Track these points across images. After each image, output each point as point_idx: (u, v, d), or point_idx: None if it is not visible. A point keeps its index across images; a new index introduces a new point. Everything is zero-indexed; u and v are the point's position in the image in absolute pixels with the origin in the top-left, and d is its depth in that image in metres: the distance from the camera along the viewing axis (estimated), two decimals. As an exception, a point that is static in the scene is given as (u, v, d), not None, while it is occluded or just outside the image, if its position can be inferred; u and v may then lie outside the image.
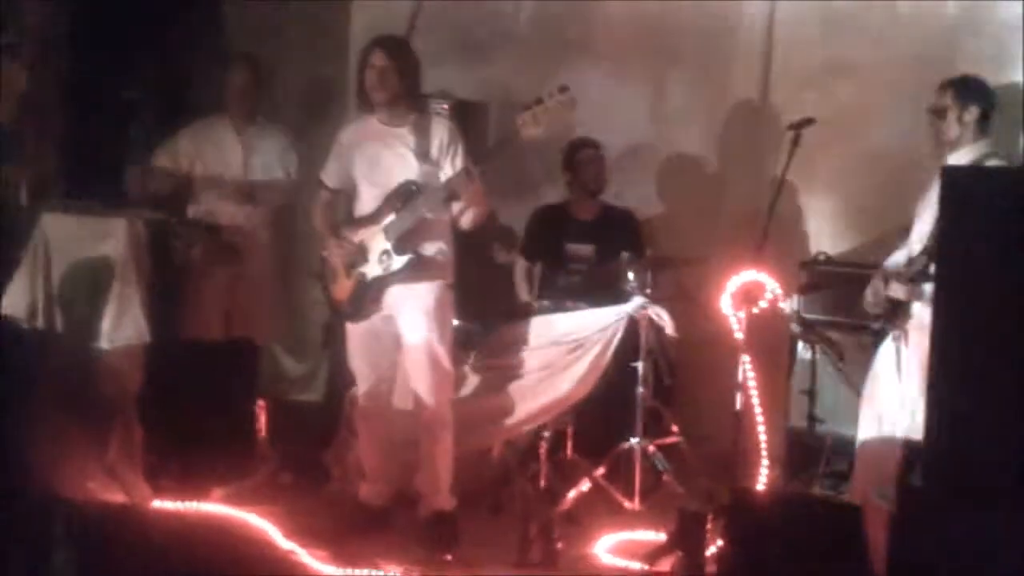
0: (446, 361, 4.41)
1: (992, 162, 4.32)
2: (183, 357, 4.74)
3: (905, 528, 3.42)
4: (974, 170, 4.00)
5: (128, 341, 4.45)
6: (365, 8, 6.41)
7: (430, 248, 4.36)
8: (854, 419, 4.82)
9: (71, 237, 4.53)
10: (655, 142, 5.95)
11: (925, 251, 4.26)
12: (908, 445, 3.68)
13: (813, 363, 5.06)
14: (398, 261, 4.30)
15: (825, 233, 5.59)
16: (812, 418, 4.99)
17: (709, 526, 3.90)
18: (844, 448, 4.78)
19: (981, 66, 4.69)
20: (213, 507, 4.54)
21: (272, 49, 6.06)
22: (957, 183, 3.48)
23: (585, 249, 5.42)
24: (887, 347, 4.44)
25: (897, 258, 4.56)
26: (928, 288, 4.20)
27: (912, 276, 4.25)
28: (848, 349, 5.05)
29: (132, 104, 5.42)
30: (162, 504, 4.45)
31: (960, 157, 4.37)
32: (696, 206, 5.86)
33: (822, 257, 5.31)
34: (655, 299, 4.95)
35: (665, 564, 3.97)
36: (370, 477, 4.56)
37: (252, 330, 5.24)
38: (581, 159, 5.45)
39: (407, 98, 4.39)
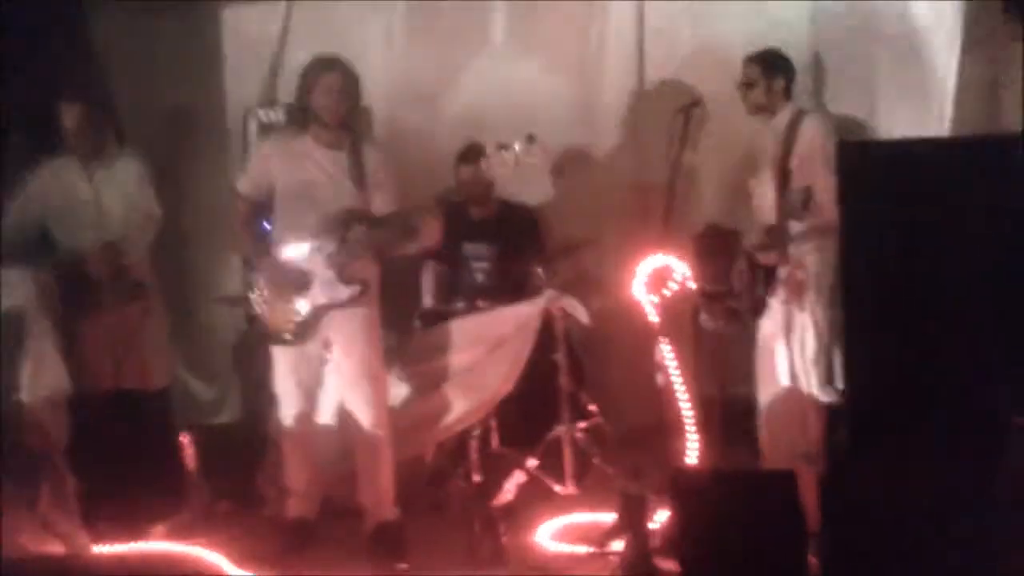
0: (383, 377, 4.52)
1: (806, 119, 4.75)
2: (99, 401, 4.68)
3: (837, 487, 3.66)
4: (866, 144, 4.29)
5: (50, 391, 4.37)
6: (237, 15, 6.29)
7: (370, 274, 4.44)
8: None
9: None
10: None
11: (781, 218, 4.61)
12: (829, 409, 3.94)
13: (718, 332, 5.30)
14: (345, 290, 4.37)
15: (711, 206, 5.82)
16: (724, 386, 5.25)
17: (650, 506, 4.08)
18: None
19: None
20: (157, 545, 4.51)
21: (143, 70, 5.97)
22: (851, 155, 3.75)
23: (484, 249, 5.46)
24: (770, 314, 4.74)
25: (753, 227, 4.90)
26: (797, 251, 4.59)
27: (776, 243, 4.61)
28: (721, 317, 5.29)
29: (12, 147, 5.22)
30: (104, 549, 4.40)
31: (778, 120, 4.84)
32: (583, 190, 6.01)
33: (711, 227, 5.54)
34: (561, 288, 5.10)
35: (613, 545, 4.12)
36: (298, 493, 4.61)
37: (159, 366, 5.16)
38: (463, 178, 5.43)
39: (349, 122, 4.43)
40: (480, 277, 5.42)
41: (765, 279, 4.71)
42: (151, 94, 5.99)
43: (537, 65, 5.98)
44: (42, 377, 4.37)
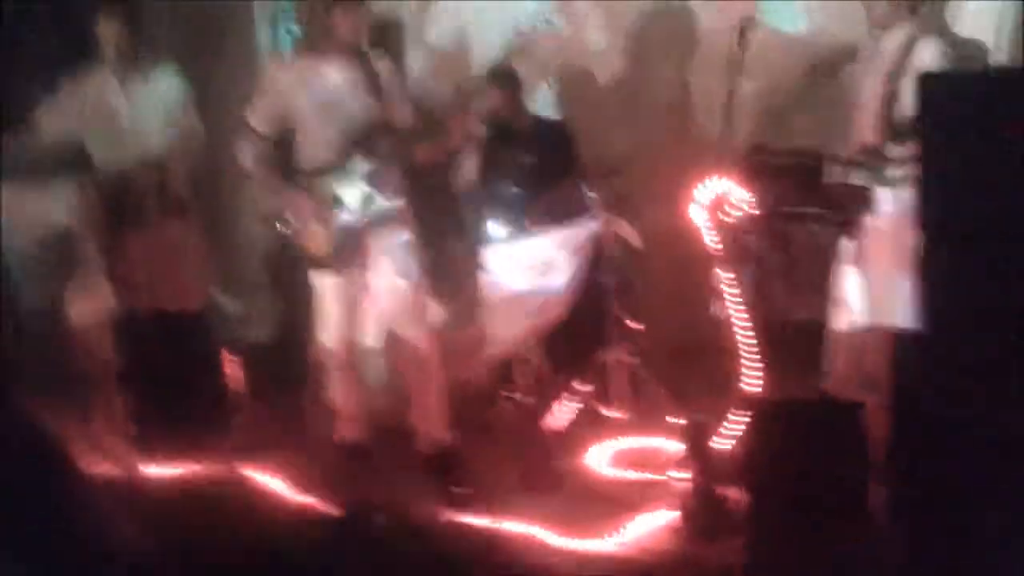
0: (423, 295, 4.43)
1: (922, 41, 4.46)
2: (142, 321, 4.60)
3: (901, 418, 3.65)
4: (948, 76, 4.14)
5: (97, 310, 4.31)
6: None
7: (404, 190, 4.33)
8: (807, 305, 5.06)
9: (15, 211, 4.31)
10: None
11: (884, 140, 4.43)
12: (900, 339, 3.89)
13: (761, 254, 5.25)
14: (382, 206, 4.25)
15: (754, 124, 5.72)
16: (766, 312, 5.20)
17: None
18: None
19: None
20: (210, 467, 4.48)
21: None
22: (934, 90, 3.64)
23: (521, 159, 5.29)
24: (849, 237, 4.61)
25: (848, 147, 4.73)
26: (892, 174, 4.42)
27: (875, 164, 4.43)
28: (796, 241, 5.24)
29: (47, 55, 5.06)
30: (155, 470, 4.37)
31: (892, 37, 4.54)
32: (611, 111, 5.88)
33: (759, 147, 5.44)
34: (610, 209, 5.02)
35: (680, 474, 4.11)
36: (347, 417, 4.56)
37: (199, 284, 5.09)
38: (495, 102, 5.23)
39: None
40: (517, 191, 5.27)
41: (857, 199, 4.55)
42: (178, 6, 5.81)
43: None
44: (89, 297, 4.32)
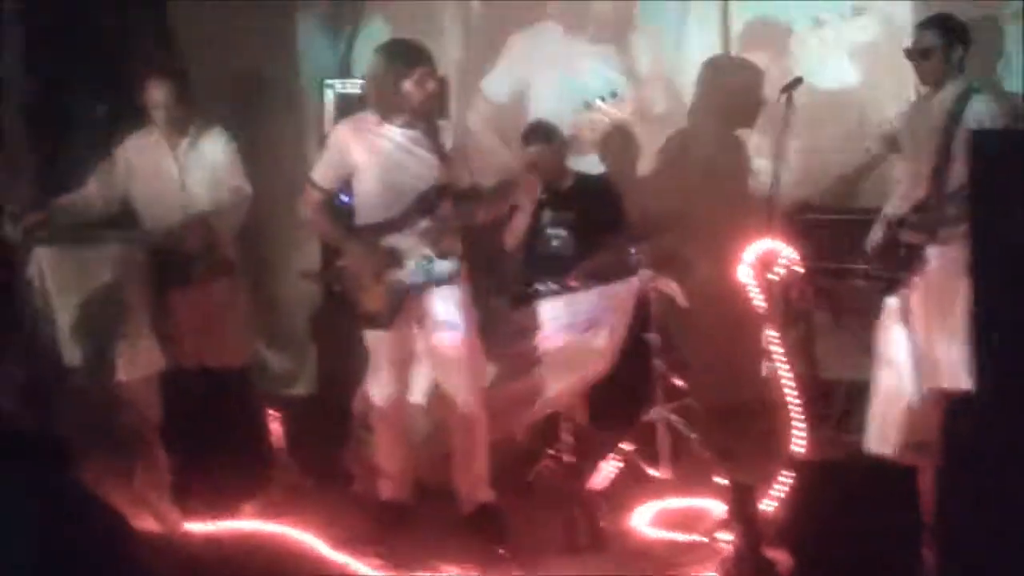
0: (480, 356, 4.44)
1: (976, 97, 4.45)
2: (187, 378, 4.63)
3: (954, 481, 3.56)
4: (1000, 133, 4.12)
5: (144, 368, 4.34)
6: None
7: (461, 249, 4.36)
8: (853, 365, 5.00)
9: (67, 269, 4.37)
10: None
11: (937, 198, 4.41)
12: (951, 398, 3.82)
13: (808, 312, 5.21)
14: (442, 265, 4.29)
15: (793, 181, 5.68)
16: (813, 366, 5.15)
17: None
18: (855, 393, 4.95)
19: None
20: (247, 524, 4.48)
21: (218, 42, 5.89)
22: (984, 146, 3.62)
23: (563, 218, 5.30)
24: (898, 294, 4.57)
25: (897, 203, 4.68)
26: (946, 233, 4.36)
27: (928, 223, 4.40)
28: (841, 295, 5.19)
29: (97, 121, 5.16)
30: (195, 527, 4.38)
31: (944, 95, 4.54)
32: (662, 163, 5.88)
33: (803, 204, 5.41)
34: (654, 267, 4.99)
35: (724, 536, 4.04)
36: (391, 475, 4.54)
37: (243, 342, 5.12)
38: (533, 158, 5.14)
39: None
40: (556, 245, 5.28)
41: (906, 257, 4.54)
42: (226, 66, 5.94)
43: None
44: (137, 355, 4.36)
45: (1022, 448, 3.41)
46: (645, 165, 5.89)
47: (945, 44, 4.51)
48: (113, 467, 4.18)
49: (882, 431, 4.59)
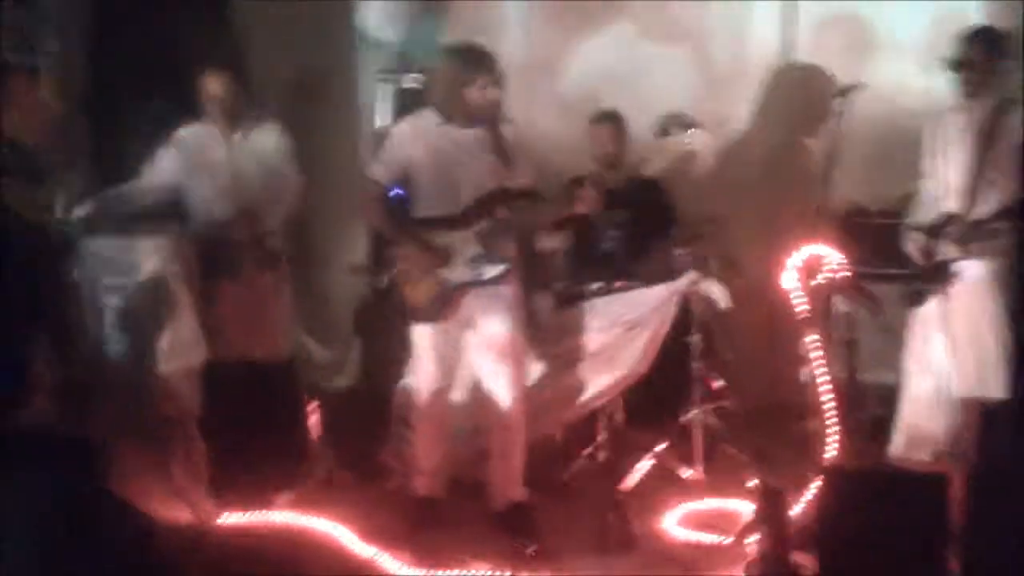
0: (524, 358, 4.48)
1: (1014, 109, 4.41)
2: (229, 370, 4.69)
3: (986, 490, 3.52)
4: None
5: (186, 360, 4.43)
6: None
7: (512, 251, 4.41)
8: (894, 367, 4.93)
9: (115, 258, 4.46)
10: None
11: (972, 210, 4.37)
12: (985, 408, 3.77)
13: (850, 314, 5.14)
14: (492, 267, 4.33)
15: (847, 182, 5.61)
16: (853, 368, 5.09)
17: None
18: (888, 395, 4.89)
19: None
20: (281, 515, 4.52)
21: (275, 35, 5.95)
22: None
23: (616, 218, 5.22)
24: (932, 303, 4.53)
25: (927, 211, 4.65)
26: (983, 246, 4.31)
27: (967, 236, 4.38)
28: (886, 299, 5.12)
29: (153, 112, 5.25)
30: (229, 518, 4.44)
31: (981, 105, 4.49)
32: (721, 163, 5.82)
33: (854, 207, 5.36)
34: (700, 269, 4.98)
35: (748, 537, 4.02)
36: (428, 471, 4.57)
37: (287, 335, 5.19)
38: (599, 135, 5.34)
39: None
40: (611, 247, 5.26)
41: (937, 268, 4.52)
42: (282, 59, 5.96)
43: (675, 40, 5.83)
44: (180, 346, 4.44)
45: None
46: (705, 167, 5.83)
47: (986, 56, 4.46)
48: (150, 457, 4.28)
49: (913, 438, 4.57)
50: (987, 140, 4.40)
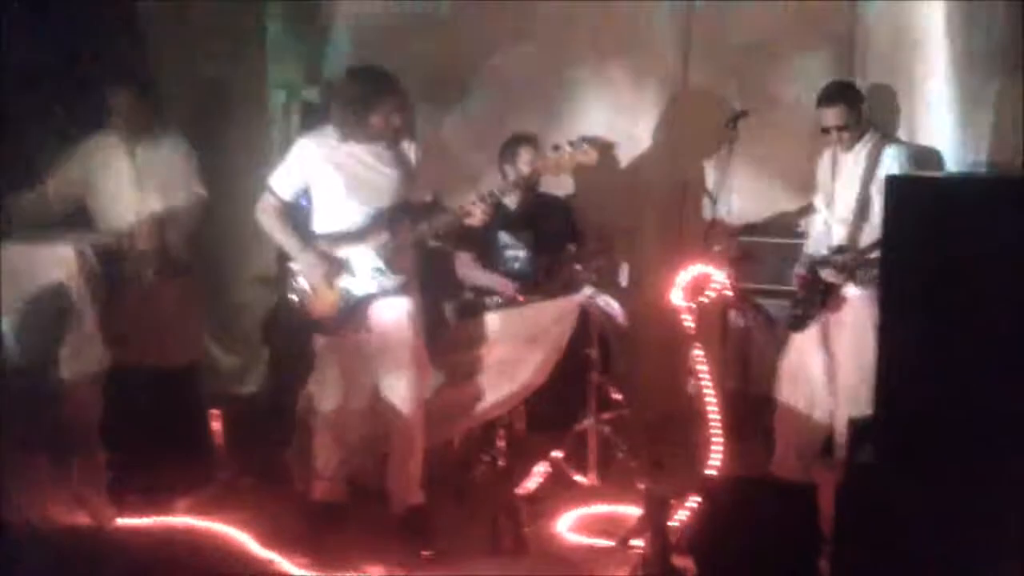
0: (425, 366, 4.59)
1: (888, 148, 4.77)
2: (131, 376, 4.74)
3: (854, 503, 3.71)
4: (914, 179, 4.37)
5: (89, 367, 4.46)
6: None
7: (414, 263, 4.53)
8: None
9: (16, 267, 4.48)
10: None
11: (854, 242, 4.71)
12: (856, 423, 3.99)
13: (747, 330, 5.36)
14: (392, 279, 4.46)
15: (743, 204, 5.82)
16: (747, 382, 5.31)
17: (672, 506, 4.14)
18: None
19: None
20: (180, 519, 4.59)
21: (183, 49, 5.99)
22: (899, 191, 3.82)
23: (520, 238, 5.47)
24: (814, 325, 4.83)
25: (818, 239, 4.97)
26: (864, 275, 4.65)
27: (848, 265, 4.70)
28: (778, 316, 5.35)
29: (57, 121, 5.26)
30: (128, 522, 4.49)
31: (860, 150, 4.84)
32: (618, 184, 6.01)
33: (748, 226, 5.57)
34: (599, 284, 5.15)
35: (634, 541, 4.18)
36: (328, 476, 4.67)
37: (192, 342, 5.26)
38: (520, 156, 5.41)
39: None
40: (515, 266, 5.44)
41: (822, 293, 4.81)
42: (190, 70, 5.98)
43: (577, 60, 5.98)
44: (82, 354, 4.46)
45: (919, 471, 3.58)
46: (606, 187, 5.98)
47: (853, 111, 4.80)
48: (51, 463, 4.32)
49: (789, 449, 4.84)
50: (868, 175, 4.71)
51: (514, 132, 5.51)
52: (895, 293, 3.79)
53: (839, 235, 4.83)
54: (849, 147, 4.83)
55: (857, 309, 4.70)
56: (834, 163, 4.93)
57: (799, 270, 4.93)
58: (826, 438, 4.84)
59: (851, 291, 4.73)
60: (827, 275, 4.78)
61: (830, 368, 4.80)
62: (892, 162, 4.69)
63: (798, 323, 4.86)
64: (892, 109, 5.14)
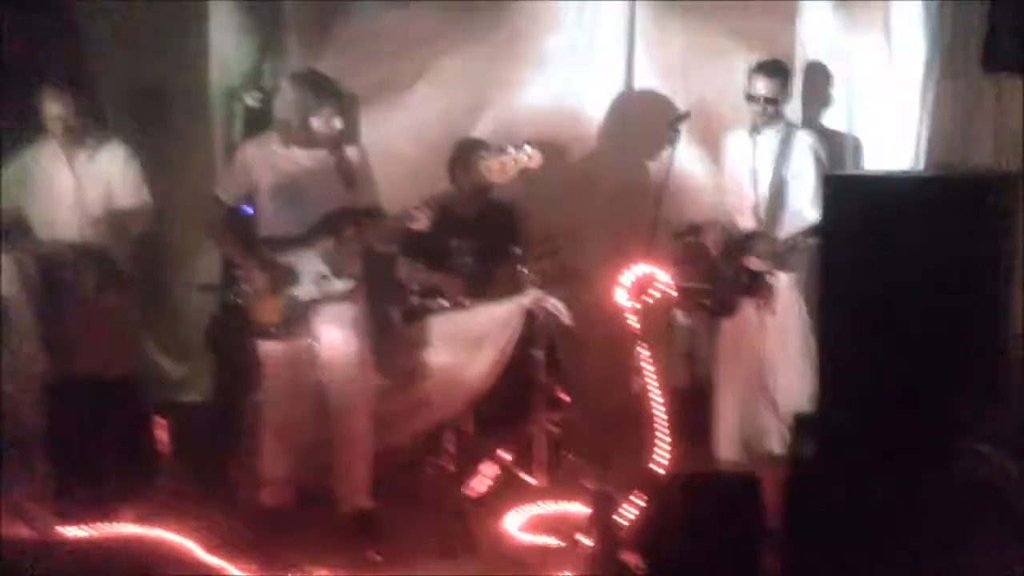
0: (369, 372, 4.61)
1: (798, 133, 4.95)
2: (72, 386, 4.72)
3: (799, 496, 3.79)
4: (852, 177, 4.49)
5: (28, 378, 4.41)
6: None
7: (357, 269, 4.53)
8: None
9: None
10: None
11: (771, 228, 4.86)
12: (797, 418, 4.07)
13: (692, 329, 5.42)
14: (338, 285, 4.46)
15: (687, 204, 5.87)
16: (694, 380, 5.37)
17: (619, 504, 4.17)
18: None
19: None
20: (125, 528, 4.54)
21: (124, 53, 5.94)
22: (837, 188, 3.93)
23: (468, 244, 5.43)
24: (745, 314, 4.96)
25: (727, 228, 5.09)
26: (786, 261, 4.82)
27: (773, 252, 4.83)
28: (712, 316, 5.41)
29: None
30: (72, 532, 4.44)
31: (773, 135, 4.98)
32: (567, 186, 6.04)
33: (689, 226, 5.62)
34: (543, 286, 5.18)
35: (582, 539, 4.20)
36: (274, 482, 4.66)
37: (133, 351, 5.23)
38: (473, 162, 5.28)
39: None
40: (461, 271, 5.42)
41: (748, 281, 4.91)
42: (130, 76, 5.93)
43: (520, 64, 6.00)
44: (21, 364, 4.42)
45: (860, 463, 3.66)
46: (552, 190, 6.00)
47: (785, 91, 4.94)
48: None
49: (729, 443, 4.97)
50: (781, 159, 4.82)
51: (465, 137, 5.50)
52: (833, 289, 3.88)
53: (754, 220, 4.94)
54: (766, 124, 4.91)
55: (781, 297, 4.84)
56: (746, 146, 5.01)
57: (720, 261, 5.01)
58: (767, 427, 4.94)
59: (774, 278, 4.87)
60: (753, 263, 4.88)
61: (763, 354, 4.92)
62: (804, 146, 4.86)
63: (725, 309, 4.97)
64: (826, 102, 5.24)
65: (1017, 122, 4.98)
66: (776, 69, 4.92)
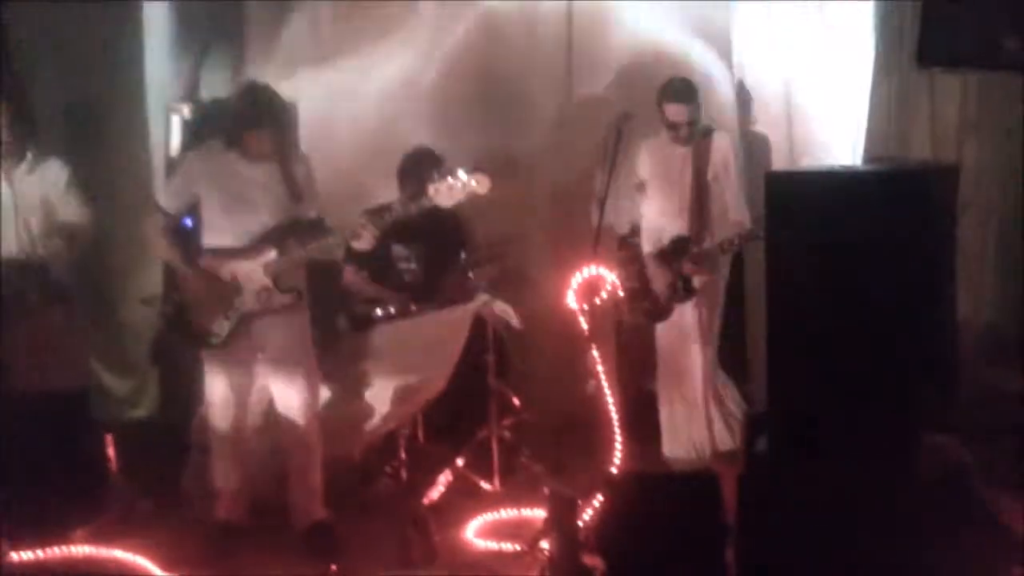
0: (315, 380, 4.57)
1: (715, 136, 5.04)
2: (17, 404, 4.61)
3: (755, 492, 3.84)
4: (794, 174, 4.56)
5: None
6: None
7: (301, 279, 4.49)
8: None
9: None
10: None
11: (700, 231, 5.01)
12: (750, 416, 4.13)
13: (640, 329, 5.46)
14: (280, 298, 4.42)
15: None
16: (643, 381, 5.42)
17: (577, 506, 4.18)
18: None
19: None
20: (77, 549, 4.46)
21: (57, 62, 5.83)
22: (779, 185, 3.98)
23: (411, 250, 5.42)
24: (688, 313, 5.09)
25: (650, 235, 5.22)
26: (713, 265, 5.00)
27: (707, 258, 5.00)
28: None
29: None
30: (23, 555, 4.36)
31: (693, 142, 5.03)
32: (508, 191, 6.02)
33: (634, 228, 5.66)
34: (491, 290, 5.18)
35: (541, 543, 4.21)
36: (227, 496, 4.61)
37: (78, 367, 5.13)
38: (423, 175, 5.19)
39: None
40: (407, 278, 5.41)
41: (682, 285, 5.05)
42: (65, 89, 5.82)
43: (460, 70, 6.00)
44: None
45: (812, 460, 3.72)
46: (496, 194, 6.00)
47: (699, 107, 5.02)
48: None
49: (676, 442, 5.07)
50: (700, 164, 4.96)
51: (416, 147, 5.47)
52: (779, 286, 3.92)
53: (677, 225, 5.05)
54: (684, 143, 5.01)
55: (711, 296, 5.02)
56: (661, 155, 5.11)
57: (651, 269, 5.15)
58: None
59: (702, 280, 5.01)
60: (687, 268, 5.00)
61: (701, 354, 5.07)
62: (720, 148, 4.96)
63: (661, 312, 5.09)
64: (758, 102, 5.33)
65: (952, 116, 5.13)
66: (684, 91, 4.98)
